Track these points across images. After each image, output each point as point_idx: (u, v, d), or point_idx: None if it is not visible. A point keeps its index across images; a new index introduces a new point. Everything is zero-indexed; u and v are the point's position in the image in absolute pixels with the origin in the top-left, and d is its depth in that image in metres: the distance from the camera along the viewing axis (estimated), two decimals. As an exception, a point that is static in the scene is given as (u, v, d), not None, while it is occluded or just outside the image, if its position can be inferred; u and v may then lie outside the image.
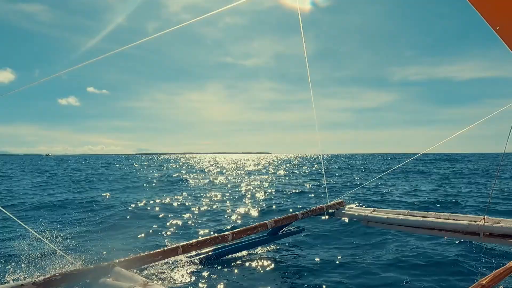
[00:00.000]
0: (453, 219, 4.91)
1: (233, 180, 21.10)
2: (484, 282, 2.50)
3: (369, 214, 5.66)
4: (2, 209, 2.97)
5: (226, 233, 4.56)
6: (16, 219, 3.08)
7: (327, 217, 6.14)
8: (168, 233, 7.02)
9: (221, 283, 4.05)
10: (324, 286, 3.99)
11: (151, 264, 4.01)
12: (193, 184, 18.68)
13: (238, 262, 4.78)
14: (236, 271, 4.45)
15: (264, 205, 10.64)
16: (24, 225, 3.21)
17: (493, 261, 4.80)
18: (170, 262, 4.38)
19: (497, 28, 2.57)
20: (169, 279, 4.03)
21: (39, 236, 3.33)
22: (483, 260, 4.96)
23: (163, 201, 11.85)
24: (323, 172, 7.09)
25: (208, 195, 13.53)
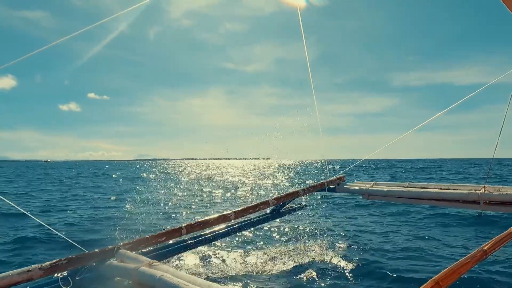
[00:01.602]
0: (454, 189, 4.93)
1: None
2: (485, 247, 2.52)
3: (370, 188, 5.69)
4: (2, 198, 2.96)
5: (229, 212, 4.59)
6: (19, 208, 3.09)
7: (328, 193, 6.17)
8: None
9: (225, 262, 4.11)
10: (327, 262, 4.05)
11: (155, 246, 4.05)
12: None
13: (241, 240, 4.83)
14: (239, 249, 4.51)
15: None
16: (28, 213, 3.21)
17: (494, 228, 4.87)
18: (175, 242, 4.43)
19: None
20: (174, 259, 4.08)
21: (44, 224, 3.34)
22: (484, 227, 5.03)
23: None
24: (326, 165, 7.02)
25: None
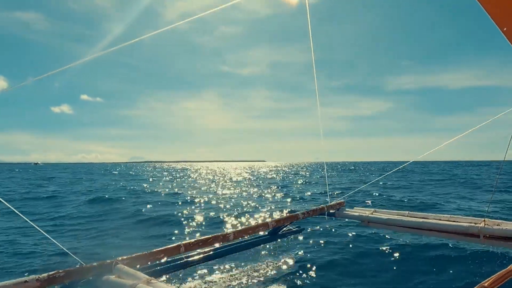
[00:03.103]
0: (454, 221, 4.94)
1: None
2: (486, 284, 2.52)
3: (369, 215, 5.69)
4: (8, 204, 2.97)
5: (228, 232, 4.58)
6: (23, 216, 3.09)
7: (327, 218, 6.17)
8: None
9: (222, 281, 4.07)
10: (322, 284, 4.02)
11: (153, 262, 4.02)
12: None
13: (239, 261, 4.80)
14: (237, 270, 4.47)
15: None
16: (30, 221, 3.21)
17: (494, 263, 4.85)
18: (172, 260, 4.39)
19: (505, 29, 2.57)
20: (171, 277, 4.05)
21: (44, 233, 3.34)
22: (484, 262, 5.00)
23: None
24: (326, 176, 7.10)
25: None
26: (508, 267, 2.76)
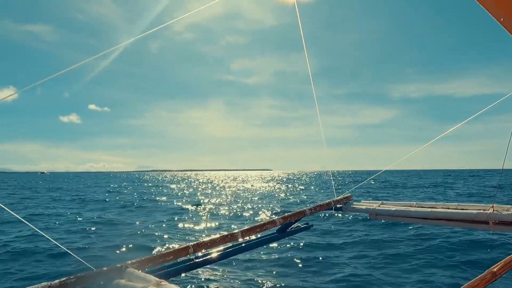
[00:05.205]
0: (462, 209, 4.89)
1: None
2: (495, 269, 2.50)
3: (377, 208, 5.65)
4: (14, 214, 3.02)
5: (236, 231, 4.58)
6: (31, 225, 3.13)
7: (335, 212, 6.14)
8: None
9: (232, 281, 4.08)
10: (333, 281, 4.01)
11: (162, 264, 4.05)
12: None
13: (248, 260, 4.80)
14: (246, 269, 4.48)
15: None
16: (38, 230, 3.26)
17: (503, 248, 4.79)
18: (182, 261, 4.42)
19: (502, 19, 2.55)
20: (181, 278, 4.07)
21: (53, 241, 3.39)
22: (493, 248, 4.95)
23: None
24: (333, 183, 7.05)
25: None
26: (517, 251, 2.73)
